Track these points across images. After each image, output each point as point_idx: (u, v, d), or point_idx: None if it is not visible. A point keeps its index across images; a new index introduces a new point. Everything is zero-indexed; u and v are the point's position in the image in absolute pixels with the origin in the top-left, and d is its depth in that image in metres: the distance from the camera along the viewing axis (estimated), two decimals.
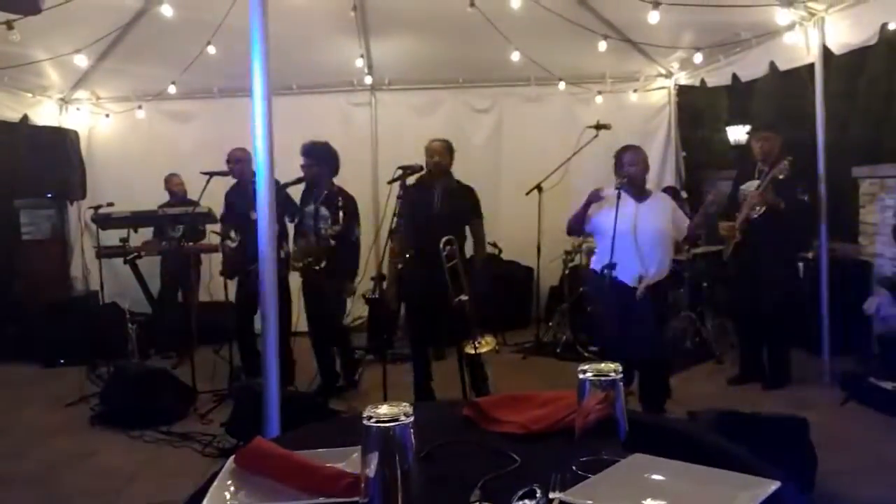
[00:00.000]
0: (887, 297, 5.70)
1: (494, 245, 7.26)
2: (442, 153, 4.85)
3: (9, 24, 4.82)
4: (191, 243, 6.61)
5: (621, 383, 1.29)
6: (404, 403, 1.15)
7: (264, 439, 1.46)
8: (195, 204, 5.97)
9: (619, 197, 4.44)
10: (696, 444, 1.43)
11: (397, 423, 1.12)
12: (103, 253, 6.45)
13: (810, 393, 5.23)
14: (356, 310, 7.51)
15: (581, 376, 1.30)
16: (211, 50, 6.22)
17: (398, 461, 1.13)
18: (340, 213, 5.29)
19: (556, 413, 1.52)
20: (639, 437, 1.32)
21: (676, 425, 1.63)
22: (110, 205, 6.27)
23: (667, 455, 1.30)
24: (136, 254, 6.53)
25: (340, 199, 5.35)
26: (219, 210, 6.10)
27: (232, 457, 1.39)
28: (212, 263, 6.04)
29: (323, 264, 5.29)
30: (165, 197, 7.21)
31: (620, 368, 1.29)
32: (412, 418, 1.13)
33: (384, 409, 1.14)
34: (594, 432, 1.30)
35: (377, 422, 1.12)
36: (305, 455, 1.37)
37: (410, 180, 4.57)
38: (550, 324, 7.31)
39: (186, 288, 6.85)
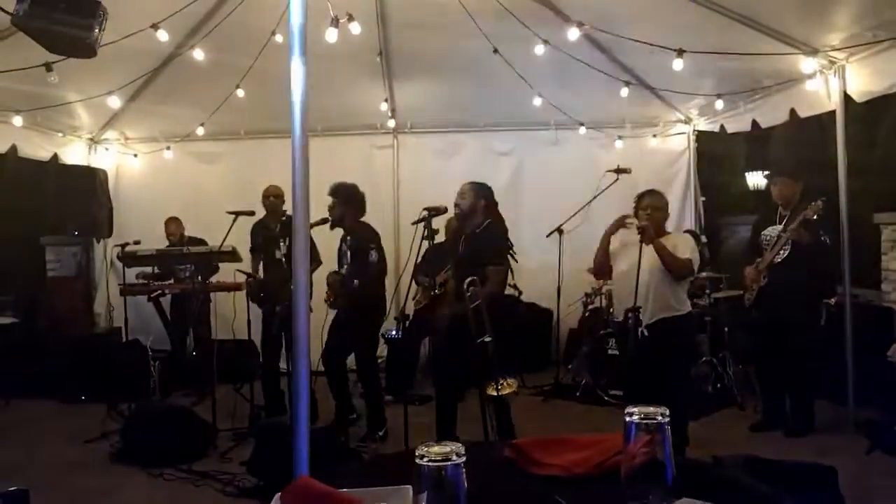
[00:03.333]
0: None
1: (514, 287, 7.27)
2: (466, 195, 4.89)
3: (48, 66, 4.94)
4: (212, 280, 6.69)
5: (668, 427, 1.29)
6: (457, 444, 1.16)
7: (309, 477, 1.46)
8: (200, 242, 6.07)
9: (641, 244, 4.52)
10: (746, 493, 1.42)
11: (450, 462, 1.13)
12: (127, 290, 6.52)
13: (834, 441, 5.15)
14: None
15: (627, 419, 1.30)
16: (240, 93, 6.36)
17: (449, 500, 1.13)
18: (351, 251, 5.37)
19: (597, 456, 1.52)
20: (686, 482, 1.32)
21: (725, 471, 1.63)
22: (136, 243, 6.35)
23: (715, 500, 1.30)
24: (159, 291, 6.59)
25: (350, 237, 5.43)
26: (241, 248, 6.20)
27: (278, 494, 1.40)
28: (235, 301, 6.07)
29: (342, 305, 5.34)
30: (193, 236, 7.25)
31: (667, 412, 1.30)
32: (464, 458, 1.14)
33: (436, 449, 1.15)
34: (641, 476, 1.29)
35: (429, 461, 1.13)
36: (351, 493, 1.38)
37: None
38: (570, 366, 7.27)
39: (197, 325, 6.92)
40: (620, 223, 4.74)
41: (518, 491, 1.48)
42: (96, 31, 2.75)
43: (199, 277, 6.44)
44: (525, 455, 1.58)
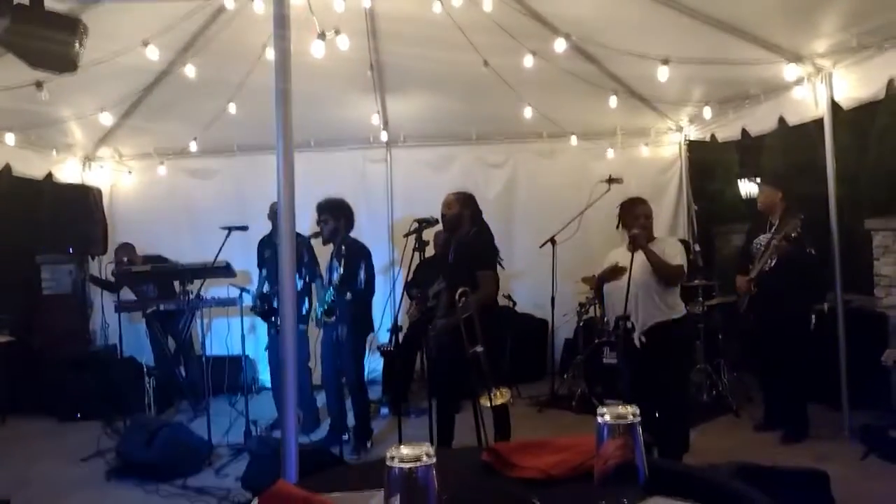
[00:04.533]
0: None
1: (509, 298, 7.28)
2: (452, 205, 4.93)
3: (38, 84, 4.97)
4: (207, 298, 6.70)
5: (640, 427, 1.30)
6: (426, 444, 1.17)
7: (287, 482, 1.47)
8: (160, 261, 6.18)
9: (632, 252, 4.55)
10: (716, 490, 1.43)
11: (420, 463, 1.14)
12: (122, 307, 6.54)
13: (830, 447, 5.16)
14: (371, 362, 7.52)
15: (599, 420, 1.32)
16: (232, 108, 6.40)
17: (420, 502, 1.14)
18: (343, 262, 5.39)
19: (574, 458, 1.53)
20: (659, 482, 1.33)
21: (696, 471, 1.64)
22: (131, 261, 6.37)
23: (685, 498, 1.31)
24: (154, 308, 6.61)
25: (343, 247, 5.45)
26: (235, 264, 6.23)
27: (255, 499, 1.41)
28: (229, 317, 6.10)
29: (333, 318, 5.34)
30: (185, 252, 7.25)
31: (638, 412, 1.31)
32: (434, 459, 1.15)
33: (406, 451, 1.16)
34: (613, 477, 1.30)
35: (400, 462, 1.14)
36: (328, 498, 1.39)
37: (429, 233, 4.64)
38: (565, 376, 7.28)
39: (179, 342, 6.94)
40: (615, 273, 4.75)
41: (494, 494, 1.49)
42: (76, 45, 2.79)
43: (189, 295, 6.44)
44: (502, 459, 1.59)
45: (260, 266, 6.39)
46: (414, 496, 1.14)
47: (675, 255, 4.62)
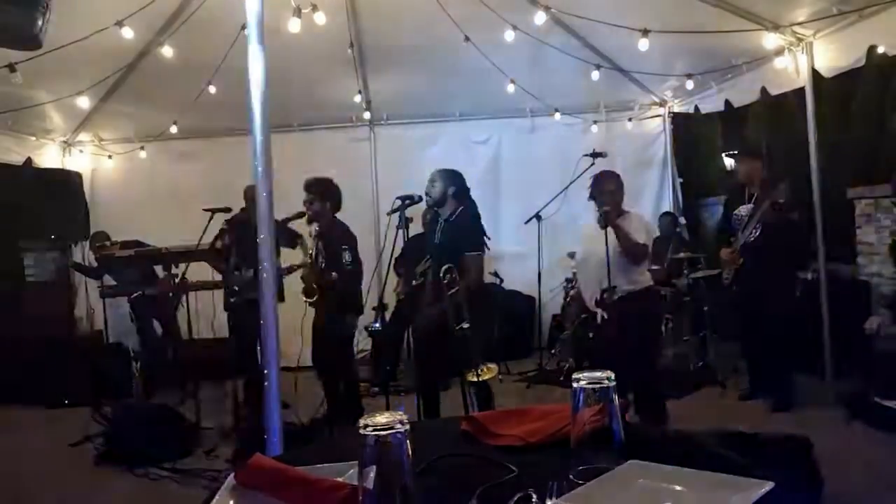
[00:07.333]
0: (888, 316, 5.71)
1: (496, 275, 7.29)
2: (435, 183, 4.89)
3: (11, 67, 4.88)
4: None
5: (614, 391, 1.31)
6: (400, 412, 1.17)
7: (264, 456, 1.47)
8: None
9: (606, 228, 4.58)
10: (694, 453, 1.44)
11: (393, 430, 1.13)
12: (107, 293, 6.50)
13: (814, 413, 5.21)
14: (360, 342, 7.51)
15: (575, 385, 1.32)
16: (212, 90, 6.33)
17: (395, 470, 1.14)
18: (325, 244, 5.36)
19: (553, 425, 1.53)
20: (635, 446, 1.34)
21: (673, 434, 1.65)
22: (114, 244, 6.32)
23: (663, 462, 1.32)
24: (139, 293, 6.57)
25: (334, 231, 5.40)
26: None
27: (231, 474, 1.41)
28: (215, 299, 6.06)
29: (314, 298, 5.30)
30: (169, 236, 7.15)
31: (613, 376, 1.31)
32: (408, 426, 1.14)
33: (380, 419, 1.15)
34: (590, 442, 1.31)
35: (373, 430, 1.14)
36: (304, 470, 1.38)
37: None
38: (553, 352, 7.31)
39: (165, 325, 6.92)
40: None
41: (472, 461, 1.49)
42: (40, 22, 2.72)
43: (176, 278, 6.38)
44: (481, 427, 1.59)
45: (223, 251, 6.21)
46: (388, 464, 1.13)
47: (638, 231, 4.65)
